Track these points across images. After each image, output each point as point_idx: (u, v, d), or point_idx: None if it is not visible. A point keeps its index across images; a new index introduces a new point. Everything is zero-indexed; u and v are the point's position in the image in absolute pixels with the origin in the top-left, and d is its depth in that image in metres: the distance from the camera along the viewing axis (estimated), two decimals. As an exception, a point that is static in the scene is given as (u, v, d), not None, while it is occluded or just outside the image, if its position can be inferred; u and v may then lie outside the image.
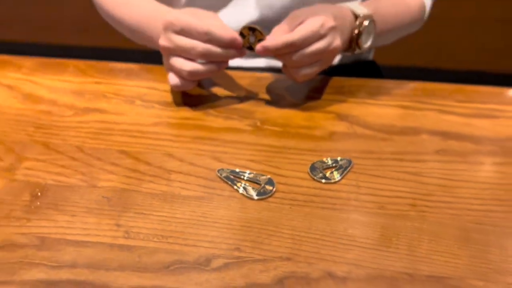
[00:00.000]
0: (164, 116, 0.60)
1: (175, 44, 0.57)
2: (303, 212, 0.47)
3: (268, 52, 0.57)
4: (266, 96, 0.64)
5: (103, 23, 0.75)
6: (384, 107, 0.62)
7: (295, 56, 0.57)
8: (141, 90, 0.65)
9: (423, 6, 0.76)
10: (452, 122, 0.59)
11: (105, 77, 0.68)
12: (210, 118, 0.59)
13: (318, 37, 0.56)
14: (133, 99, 0.63)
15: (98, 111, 0.61)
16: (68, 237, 0.44)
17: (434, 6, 0.80)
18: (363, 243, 0.44)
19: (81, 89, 0.65)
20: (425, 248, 0.43)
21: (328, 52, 0.58)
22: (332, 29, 0.58)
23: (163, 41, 0.58)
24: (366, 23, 0.64)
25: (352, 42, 0.65)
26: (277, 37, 0.56)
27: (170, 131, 0.57)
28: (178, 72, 0.58)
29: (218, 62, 0.58)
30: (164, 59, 0.61)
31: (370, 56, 0.88)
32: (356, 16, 0.64)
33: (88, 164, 0.52)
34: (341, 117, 0.60)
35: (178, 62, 0.57)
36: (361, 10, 0.64)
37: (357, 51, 0.66)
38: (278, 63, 0.61)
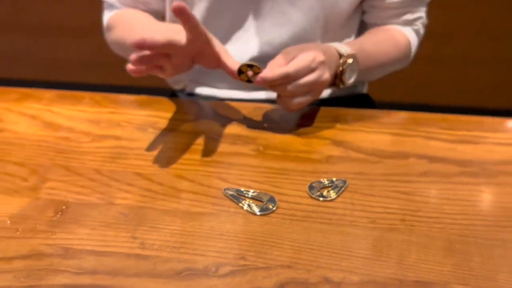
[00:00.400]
0: (174, 142, 0.65)
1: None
2: (302, 226, 0.51)
3: (265, 83, 0.63)
4: (267, 124, 0.69)
5: (106, 62, 0.81)
6: (376, 134, 0.67)
7: (289, 87, 0.63)
8: (152, 119, 0.70)
9: (409, 44, 0.83)
10: (437, 147, 0.64)
11: (119, 107, 0.74)
12: (217, 144, 0.65)
13: (310, 70, 0.63)
14: (145, 127, 0.68)
15: (113, 138, 0.66)
16: (89, 248, 0.48)
17: (425, 47, 0.87)
18: (356, 253, 0.48)
19: (96, 118, 0.71)
20: (413, 257, 0.48)
21: (318, 83, 0.64)
22: (322, 63, 0.64)
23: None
24: (349, 61, 0.70)
25: (337, 78, 0.71)
26: (273, 69, 0.62)
27: (180, 155, 0.63)
28: None
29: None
30: None
31: (364, 90, 0.94)
32: (340, 55, 0.70)
33: (106, 184, 0.57)
34: (336, 143, 0.65)
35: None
36: (345, 49, 0.71)
37: (342, 86, 0.72)
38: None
